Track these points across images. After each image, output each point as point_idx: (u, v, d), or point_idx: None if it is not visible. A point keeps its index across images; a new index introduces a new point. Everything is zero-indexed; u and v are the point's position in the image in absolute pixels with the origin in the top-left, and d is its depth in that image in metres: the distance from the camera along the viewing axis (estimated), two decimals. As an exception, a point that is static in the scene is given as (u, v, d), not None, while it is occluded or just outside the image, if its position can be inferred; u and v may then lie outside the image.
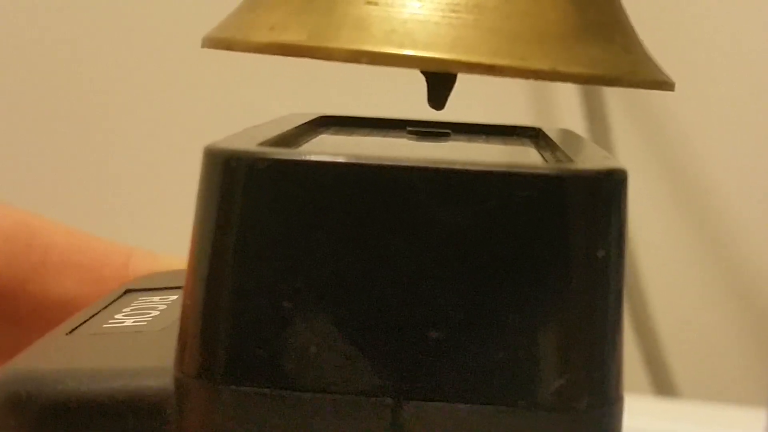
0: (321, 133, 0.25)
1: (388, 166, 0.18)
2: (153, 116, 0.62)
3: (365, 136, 0.25)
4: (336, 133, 0.25)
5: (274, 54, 0.20)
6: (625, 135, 0.57)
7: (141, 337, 0.22)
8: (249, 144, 0.19)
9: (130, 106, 0.62)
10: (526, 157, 0.23)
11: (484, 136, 0.26)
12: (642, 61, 0.20)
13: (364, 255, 0.18)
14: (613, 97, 0.57)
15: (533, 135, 0.26)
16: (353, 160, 0.18)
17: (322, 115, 0.26)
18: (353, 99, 0.59)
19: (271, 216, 0.18)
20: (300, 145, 0.23)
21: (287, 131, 0.23)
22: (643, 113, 0.58)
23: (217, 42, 0.20)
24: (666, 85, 0.21)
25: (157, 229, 0.61)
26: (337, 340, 0.18)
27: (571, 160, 0.20)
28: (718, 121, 0.57)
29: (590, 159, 0.20)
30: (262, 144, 0.20)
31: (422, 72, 0.21)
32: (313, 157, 0.18)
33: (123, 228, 0.59)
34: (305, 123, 0.25)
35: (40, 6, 0.62)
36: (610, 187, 0.18)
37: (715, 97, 0.57)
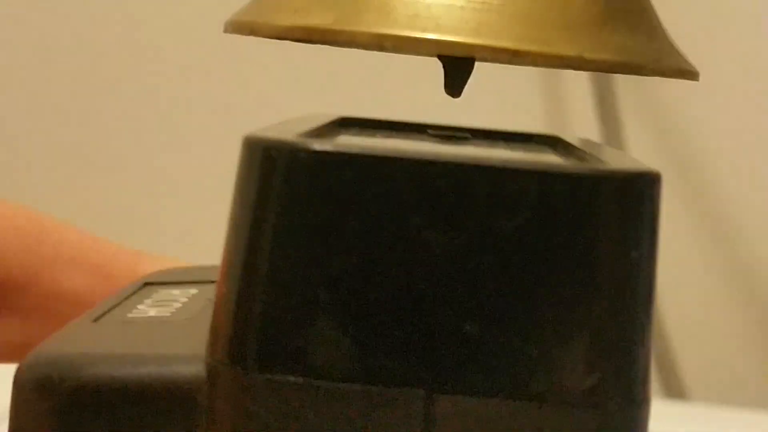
0: (341, 133, 0.25)
1: (428, 161, 0.18)
2: (160, 117, 0.62)
3: (386, 137, 0.25)
4: (356, 134, 0.25)
5: (298, 38, 0.20)
6: (638, 140, 0.57)
7: (168, 327, 0.22)
8: (288, 135, 0.19)
9: (136, 106, 0.62)
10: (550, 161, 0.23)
11: (503, 141, 0.26)
12: (667, 50, 0.20)
13: (400, 247, 0.18)
14: (626, 99, 0.57)
15: (551, 142, 0.26)
16: (391, 154, 0.18)
17: (341, 116, 0.26)
18: (358, 100, 0.59)
19: (309, 206, 0.18)
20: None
21: (309, 129, 0.23)
22: (656, 118, 0.58)
23: (241, 26, 0.20)
24: (690, 74, 0.20)
25: (164, 233, 0.61)
26: (371, 330, 0.18)
27: (602, 162, 0.20)
28: (734, 124, 0.57)
29: (622, 161, 0.20)
30: (301, 135, 0.20)
31: (440, 59, 0.21)
32: (354, 150, 0.18)
33: (129, 233, 0.59)
34: (324, 123, 0.25)
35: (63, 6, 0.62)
36: (644, 188, 0.18)
37: (731, 100, 0.56)
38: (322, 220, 0.18)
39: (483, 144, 0.25)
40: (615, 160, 0.20)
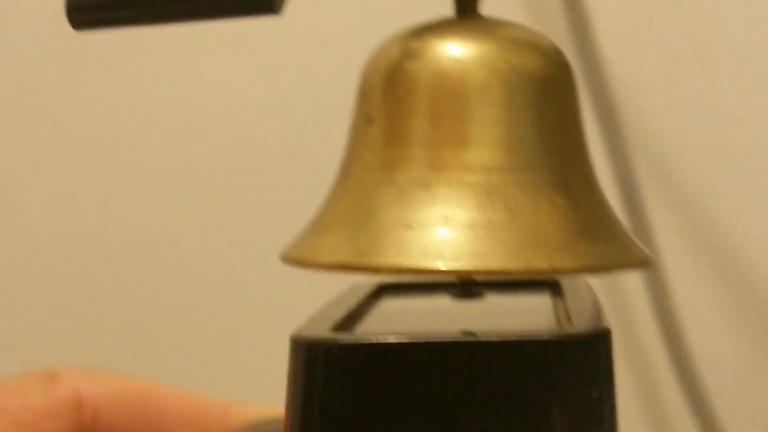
0: (381, 302, 0.31)
1: (428, 343, 0.25)
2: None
3: (416, 300, 0.31)
4: (392, 300, 0.31)
5: (337, 271, 0.25)
6: (663, 219, 0.61)
7: None
8: (324, 329, 0.26)
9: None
10: (539, 313, 0.29)
11: (509, 290, 0.32)
12: (623, 250, 0.26)
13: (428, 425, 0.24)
14: (645, 174, 0.61)
15: (552, 286, 0.32)
16: (405, 340, 0.25)
17: (378, 284, 0.32)
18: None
19: (350, 394, 0.24)
20: (365, 319, 0.29)
21: (353, 305, 0.29)
22: (680, 199, 0.61)
23: (293, 260, 0.26)
24: (646, 264, 0.26)
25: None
26: None
27: (569, 318, 0.26)
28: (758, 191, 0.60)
29: (580, 319, 0.26)
30: (336, 326, 0.27)
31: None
32: (371, 339, 0.25)
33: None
34: (367, 295, 0.31)
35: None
36: (594, 347, 0.25)
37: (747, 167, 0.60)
38: (363, 405, 0.24)
39: (493, 297, 0.31)
40: (576, 318, 0.26)
